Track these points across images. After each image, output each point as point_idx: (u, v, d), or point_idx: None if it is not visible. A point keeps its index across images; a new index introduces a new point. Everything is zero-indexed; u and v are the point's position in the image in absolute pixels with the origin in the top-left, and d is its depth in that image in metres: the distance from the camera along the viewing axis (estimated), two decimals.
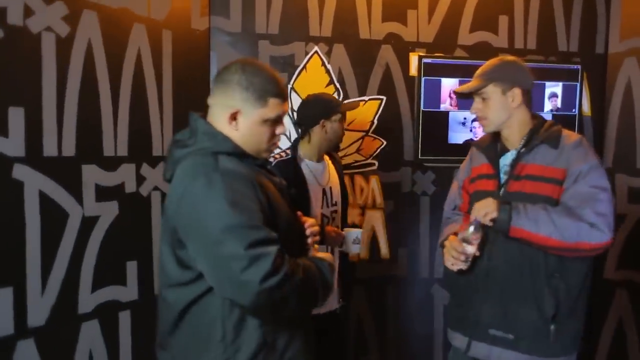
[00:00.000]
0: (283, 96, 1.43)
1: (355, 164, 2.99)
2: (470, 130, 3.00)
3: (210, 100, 1.44)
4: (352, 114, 2.84)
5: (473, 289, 1.77)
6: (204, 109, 2.73)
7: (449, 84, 2.96)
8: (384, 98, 2.99)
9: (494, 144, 1.86)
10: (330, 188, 2.34)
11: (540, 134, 1.72)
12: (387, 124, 2.99)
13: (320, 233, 2.04)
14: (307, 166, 2.28)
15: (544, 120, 1.79)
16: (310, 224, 1.63)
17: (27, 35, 1.94)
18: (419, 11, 3.00)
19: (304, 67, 2.88)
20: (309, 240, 1.60)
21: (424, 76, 2.94)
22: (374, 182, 3.01)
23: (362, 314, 3.04)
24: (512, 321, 1.70)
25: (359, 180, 3.00)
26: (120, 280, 2.32)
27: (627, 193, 3.07)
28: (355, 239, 2.23)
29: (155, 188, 2.46)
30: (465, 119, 2.98)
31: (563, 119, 3.06)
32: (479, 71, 1.81)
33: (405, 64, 2.99)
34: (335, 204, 2.36)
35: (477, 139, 2.02)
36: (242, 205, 1.26)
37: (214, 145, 1.35)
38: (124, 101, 2.31)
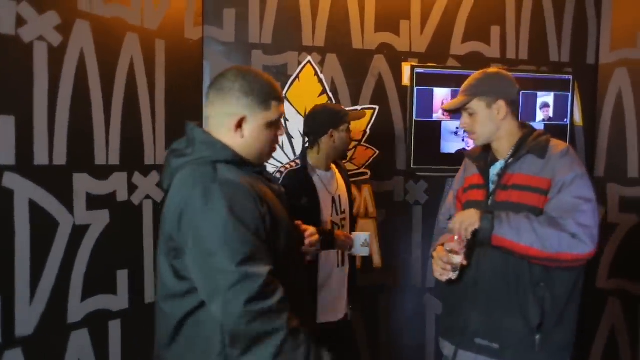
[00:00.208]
0: (281, 99, 1.45)
1: (348, 173, 3.00)
2: (463, 140, 3.01)
3: (210, 111, 1.41)
4: None
5: (462, 297, 1.77)
6: (197, 119, 2.75)
7: (441, 94, 2.97)
8: (377, 107, 3.00)
9: (485, 153, 1.87)
10: (339, 196, 2.39)
11: (528, 143, 1.73)
12: (380, 134, 3.01)
13: (330, 238, 2.12)
14: (317, 175, 2.32)
15: (533, 130, 1.80)
16: (310, 233, 1.63)
17: (19, 45, 1.95)
18: (412, 21, 3.02)
19: (297, 76, 2.90)
20: (306, 242, 1.59)
21: (416, 86, 2.96)
22: (367, 191, 3.02)
23: (355, 323, 3.04)
24: (498, 330, 1.70)
25: (351, 189, 3.01)
26: (110, 289, 2.31)
27: (618, 202, 3.08)
28: (363, 242, 2.29)
29: (147, 197, 2.47)
30: (457, 128, 2.99)
31: (555, 129, 3.09)
32: (463, 86, 1.82)
33: (397, 74, 3.01)
34: (344, 212, 2.41)
35: (470, 149, 2.02)
36: (240, 219, 1.25)
37: (213, 154, 1.34)
38: (116, 110, 2.32)
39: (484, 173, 1.81)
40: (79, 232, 2.16)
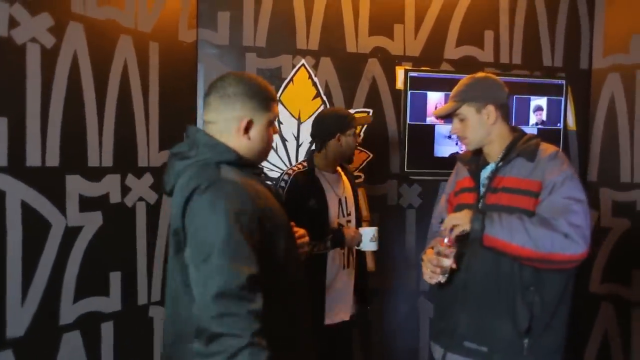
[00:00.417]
0: (276, 99, 1.54)
1: None
2: (456, 144, 3.02)
3: (213, 117, 1.44)
4: None
5: (452, 300, 1.77)
6: (191, 121, 2.76)
7: (435, 98, 2.99)
8: (371, 111, 3.01)
9: (476, 157, 1.88)
10: (346, 198, 2.43)
11: (518, 147, 1.74)
12: (374, 137, 3.01)
13: (340, 235, 2.25)
14: (324, 177, 2.37)
15: (523, 134, 1.81)
16: (300, 235, 1.65)
17: (12, 46, 1.95)
18: (406, 25, 3.04)
19: (291, 80, 2.91)
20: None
21: (410, 90, 2.97)
22: (360, 194, 3.01)
23: None
24: (486, 334, 1.70)
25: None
26: (103, 291, 2.31)
27: (611, 207, 3.09)
28: (372, 237, 2.32)
29: (141, 199, 2.47)
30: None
31: (548, 133, 3.10)
32: (452, 92, 1.83)
33: (391, 78, 3.03)
34: (350, 214, 2.45)
35: (462, 152, 2.03)
36: (237, 218, 1.27)
37: (216, 155, 1.39)
38: (109, 112, 2.32)
39: (475, 176, 1.82)
40: (71, 234, 2.16)
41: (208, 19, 2.80)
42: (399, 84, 3.02)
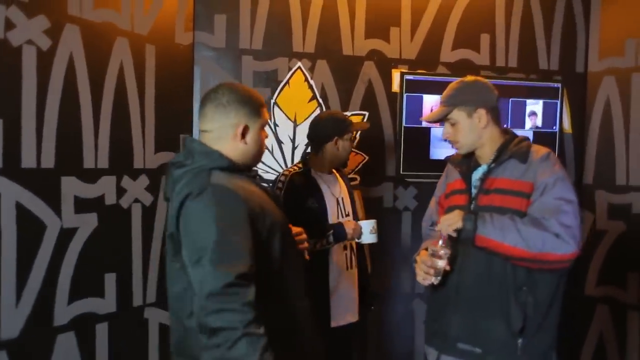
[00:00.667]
0: (265, 105, 1.61)
1: None
2: (452, 147, 3.02)
3: (209, 126, 1.53)
4: None
5: (445, 302, 1.78)
6: (187, 123, 2.77)
7: (430, 101, 2.99)
8: (367, 114, 3.02)
9: (466, 159, 1.89)
10: (343, 198, 2.45)
11: (510, 149, 1.75)
12: (370, 140, 3.02)
13: (341, 229, 2.27)
14: (321, 177, 2.39)
15: (515, 136, 1.82)
16: (296, 233, 1.69)
17: (8, 48, 1.96)
18: (402, 28, 3.05)
19: (287, 82, 2.91)
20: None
21: (406, 92, 2.98)
22: (356, 196, 3.02)
23: None
24: (480, 335, 1.70)
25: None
26: (98, 292, 2.31)
27: (606, 209, 3.10)
28: (371, 229, 2.34)
29: (136, 200, 2.47)
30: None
31: (544, 136, 3.11)
32: (442, 96, 1.83)
33: (387, 81, 3.04)
34: (348, 214, 2.46)
35: (452, 154, 2.05)
36: (226, 221, 1.37)
37: (210, 162, 1.47)
38: (105, 114, 2.33)
39: (466, 178, 1.82)
40: (66, 235, 2.17)
41: (204, 22, 2.81)
42: (395, 86, 3.03)
